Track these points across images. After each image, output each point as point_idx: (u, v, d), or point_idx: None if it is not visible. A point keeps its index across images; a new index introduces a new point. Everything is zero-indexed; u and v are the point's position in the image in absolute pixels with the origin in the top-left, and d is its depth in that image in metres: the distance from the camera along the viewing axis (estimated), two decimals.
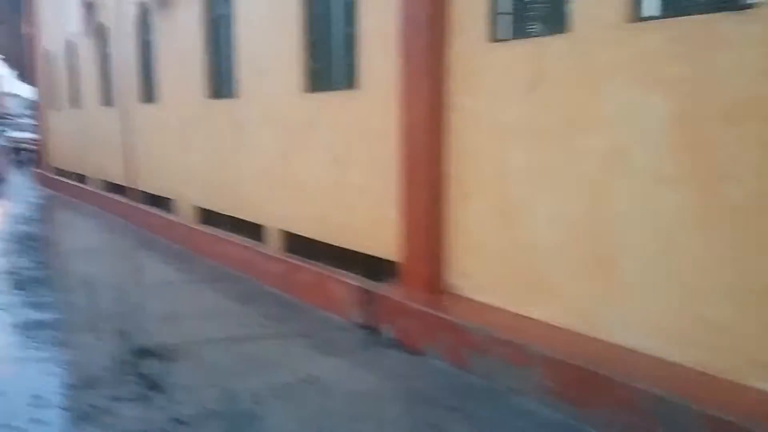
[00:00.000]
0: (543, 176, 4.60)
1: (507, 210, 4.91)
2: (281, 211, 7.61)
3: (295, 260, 6.94)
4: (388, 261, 6.02)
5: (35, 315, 6.17)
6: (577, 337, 4.38)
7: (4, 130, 26.67)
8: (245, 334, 5.64)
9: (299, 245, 7.31)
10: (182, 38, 9.68)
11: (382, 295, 5.61)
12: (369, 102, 6.14)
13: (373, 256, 6.25)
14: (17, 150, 26.90)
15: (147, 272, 8.26)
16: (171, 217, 10.25)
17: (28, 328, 5.78)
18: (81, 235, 10.84)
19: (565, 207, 4.47)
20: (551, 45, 4.50)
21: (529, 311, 4.80)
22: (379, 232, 6.11)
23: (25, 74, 30.40)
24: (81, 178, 15.69)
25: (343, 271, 6.37)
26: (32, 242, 10.07)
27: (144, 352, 5.07)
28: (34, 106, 22.69)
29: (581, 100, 4.31)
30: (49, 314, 6.22)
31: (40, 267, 8.38)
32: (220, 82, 8.98)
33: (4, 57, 29.78)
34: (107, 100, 13.32)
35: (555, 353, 4.09)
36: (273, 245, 7.74)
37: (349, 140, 6.49)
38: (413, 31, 5.38)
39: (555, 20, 4.61)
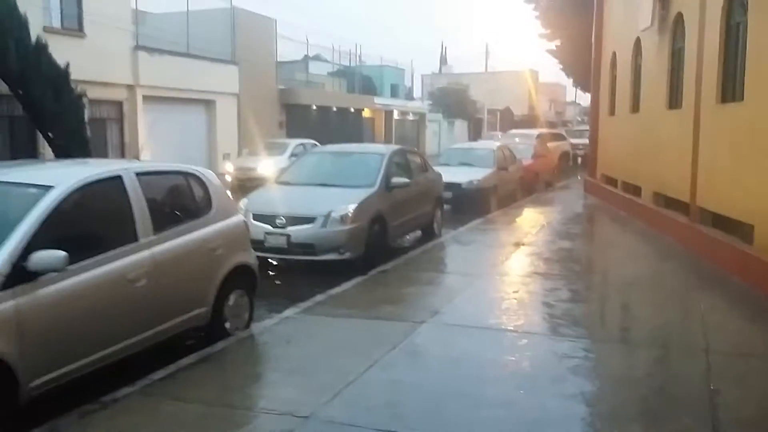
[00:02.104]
0: None
1: None
2: None
3: None
4: None
5: (562, 386, 4.57)
6: None
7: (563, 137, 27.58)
8: None
9: None
10: None
11: None
12: None
13: None
14: (575, 156, 27.60)
15: (716, 329, 5.90)
16: (748, 248, 7.68)
17: (550, 412, 4.21)
18: (627, 260, 9.16)
19: None
20: None
21: None
22: None
23: (582, 81, 31.11)
24: (631, 188, 14.22)
25: None
26: (572, 264, 8.86)
27: None
28: (589, 112, 22.61)
29: None
30: (580, 386, 4.59)
31: (577, 299, 7.03)
32: None
33: (562, 66, 30.95)
34: (674, 101, 11.36)
35: None
36: None
37: None
38: None
39: None
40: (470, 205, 13.88)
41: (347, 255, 8.31)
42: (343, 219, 8.35)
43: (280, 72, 31.67)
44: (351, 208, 8.45)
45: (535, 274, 8.06)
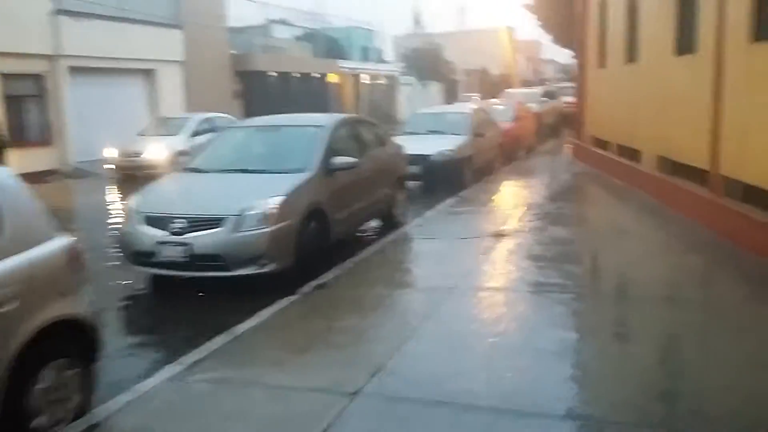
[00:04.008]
0: None
1: None
2: None
3: None
4: None
5: None
6: None
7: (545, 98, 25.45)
8: None
9: None
10: None
11: None
12: None
13: None
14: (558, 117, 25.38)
15: None
16: None
17: None
18: (642, 255, 6.92)
19: None
20: None
21: None
22: None
23: (562, 36, 28.81)
24: (627, 151, 12.14)
25: None
26: (570, 265, 6.65)
27: None
28: (568, 70, 20.55)
29: None
30: None
31: (586, 335, 4.90)
32: None
33: (540, 21, 28.67)
34: (685, 44, 9.18)
35: None
36: None
37: None
38: None
39: None
40: (441, 180, 11.75)
41: (270, 267, 6.16)
42: (263, 218, 6.17)
43: (241, 38, 28.97)
44: (275, 202, 6.27)
45: (524, 286, 5.94)
